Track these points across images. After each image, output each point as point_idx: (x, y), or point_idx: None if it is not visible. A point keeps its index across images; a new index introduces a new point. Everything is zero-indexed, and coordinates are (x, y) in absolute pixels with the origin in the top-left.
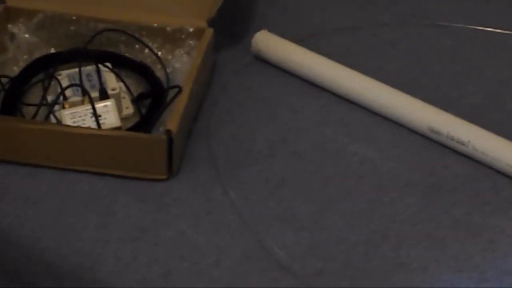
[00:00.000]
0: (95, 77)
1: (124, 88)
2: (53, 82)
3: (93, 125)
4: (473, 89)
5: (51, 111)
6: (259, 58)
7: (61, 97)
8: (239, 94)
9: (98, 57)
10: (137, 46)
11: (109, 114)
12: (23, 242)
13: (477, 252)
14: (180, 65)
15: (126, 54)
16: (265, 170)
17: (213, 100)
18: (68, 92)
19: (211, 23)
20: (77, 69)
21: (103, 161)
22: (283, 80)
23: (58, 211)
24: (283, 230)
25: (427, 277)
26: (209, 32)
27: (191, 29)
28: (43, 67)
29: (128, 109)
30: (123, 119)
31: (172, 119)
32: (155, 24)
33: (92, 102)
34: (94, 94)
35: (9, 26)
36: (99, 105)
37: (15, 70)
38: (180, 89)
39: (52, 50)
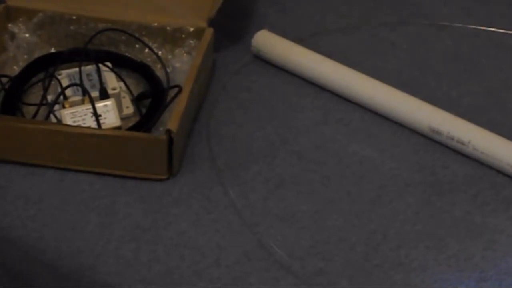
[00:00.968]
0: (95, 77)
1: (124, 88)
2: (53, 82)
3: (93, 124)
4: (474, 89)
5: (51, 111)
6: (259, 57)
7: (61, 97)
8: (239, 94)
9: (98, 57)
10: (137, 45)
11: (109, 113)
12: (23, 242)
13: (477, 252)
14: (180, 65)
15: (126, 54)
16: (265, 170)
17: (213, 100)
18: (68, 92)
19: (211, 22)
20: (77, 69)
21: (103, 161)
22: (283, 80)
23: (59, 211)
24: (283, 230)
25: (427, 277)
26: (209, 31)
27: (191, 29)
28: (43, 67)
29: (128, 108)
30: (123, 118)
31: (172, 119)
32: (155, 24)
33: (92, 101)
34: (94, 93)
35: (9, 25)
36: (99, 105)
37: (15, 70)
38: (180, 89)
39: (52, 50)
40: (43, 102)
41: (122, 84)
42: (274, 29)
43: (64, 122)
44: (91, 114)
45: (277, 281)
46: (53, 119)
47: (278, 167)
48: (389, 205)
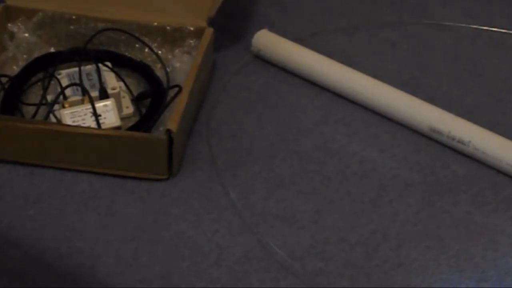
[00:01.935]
0: (95, 77)
1: (124, 88)
2: (53, 82)
3: (93, 124)
4: (474, 89)
5: (51, 111)
6: (259, 57)
7: (61, 97)
8: (239, 94)
9: (98, 57)
10: (137, 45)
11: (109, 113)
12: (23, 242)
13: (478, 252)
14: (180, 65)
15: (126, 54)
16: (265, 170)
17: (213, 100)
18: (68, 92)
19: (211, 22)
20: (77, 69)
21: (103, 161)
22: (283, 79)
23: (58, 211)
24: (283, 230)
25: (427, 277)
26: (209, 31)
27: (191, 29)
28: (43, 67)
29: (128, 108)
30: (123, 118)
31: (172, 119)
32: (155, 24)
33: (92, 101)
34: (94, 93)
35: (9, 25)
36: (99, 105)
37: (14, 70)
38: (180, 89)
39: (52, 50)
40: (42, 102)
41: (122, 84)
42: (274, 29)
43: (63, 122)
44: (90, 114)
45: (277, 281)
46: (53, 119)
47: (278, 167)
48: (389, 205)
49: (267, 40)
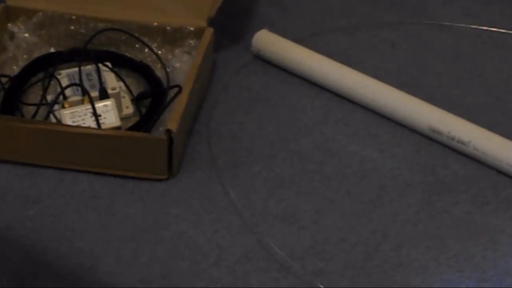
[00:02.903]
0: (95, 77)
1: (124, 88)
2: (52, 82)
3: (93, 124)
4: (474, 89)
5: (50, 111)
6: (259, 57)
7: (61, 97)
8: (239, 94)
9: (98, 57)
10: (137, 45)
11: (109, 113)
12: (23, 242)
13: (478, 252)
14: (180, 65)
15: (126, 54)
16: (265, 170)
17: (213, 100)
18: (68, 92)
19: (211, 22)
20: (77, 69)
21: (103, 161)
22: (283, 79)
23: (58, 211)
24: (283, 230)
25: (427, 277)
26: (209, 31)
27: (191, 29)
28: (43, 67)
29: (128, 108)
30: (123, 118)
31: (172, 119)
32: (155, 24)
33: (92, 101)
34: (94, 93)
35: (9, 25)
36: (99, 105)
37: (14, 70)
38: (180, 89)
39: (52, 50)
40: (42, 102)
41: (122, 84)
42: (274, 29)
43: (63, 122)
44: (90, 114)
45: (277, 281)
46: (53, 119)
47: (278, 167)
48: (389, 205)
49: (267, 40)
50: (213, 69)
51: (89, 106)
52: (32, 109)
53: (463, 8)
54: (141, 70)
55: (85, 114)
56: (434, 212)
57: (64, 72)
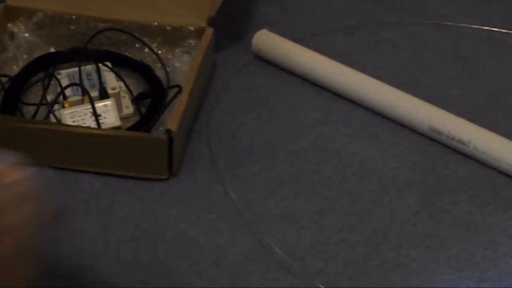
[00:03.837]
0: (95, 77)
1: (124, 88)
2: (52, 82)
3: (93, 124)
4: (474, 89)
5: (51, 111)
6: (259, 57)
7: (61, 97)
8: (239, 94)
9: (98, 57)
10: (137, 45)
11: (109, 113)
12: None
13: (478, 252)
14: (180, 65)
15: (126, 54)
16: (265, 170)
17: (213, 100)
18: (68, 92)
19: (211, 22)
20: (77, 69)
21: (103, 161)
22: (283, 79)
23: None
24: (283, 230)
25: (427, 277)
26: (209, 31)
27: (191, 28)
28: (43, 67)
29: (128, 108)
30: (123, 118)
31: (172, 119)
32: (155, 23)
33: (92, 101)
34: (94, 93)
35: (9, 25)
36: (99, 105)
37: (14, 70)
38: (180, 89)
39: (52, 50)
40: (42, 102)
41: (121, 84)
42: (274, 29)
43: (63, 122)
44: (90, 114)
45: (277, 281)
46: (53, 119)
47: (278, 167)
48: (389, 205)
49: (267, 40)
50: (213, 69)
51: (89, 106)
52: (32, 109)
53: (463, 8)
54: (141, 70)
55: (85, 114)
56: (434, 212)
57: (64, 72)
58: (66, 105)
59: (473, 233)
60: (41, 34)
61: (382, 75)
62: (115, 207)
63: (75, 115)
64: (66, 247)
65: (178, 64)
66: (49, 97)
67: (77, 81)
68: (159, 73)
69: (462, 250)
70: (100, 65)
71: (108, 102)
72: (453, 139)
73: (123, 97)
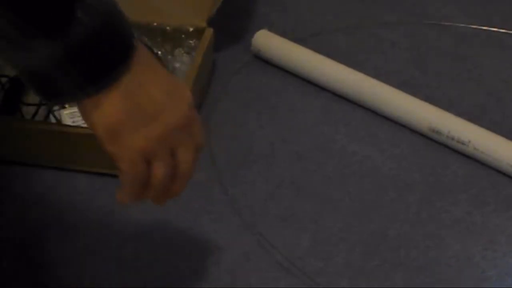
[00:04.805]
0: None
1: None
2: None
3: None
4: (474, 89)
5: (51, 111)
6: (259, 57)
7: None
8: (239, 94)
9: None
10: None
11: None
12: (22, 243)
13: (478, 252)
14: (180, 65)
15: None
16: (265, 170)
17: (213, 100)
18: None
19: (211, 22)
20: None
21: (103, 161)
22: (283, 79)
23: (58, 211)
24: (283, 230)
25: (427, 277)
26: (209, 31)
27: (191, 29)
28: None
29: None
30: None
31: None
32: (155, 24)
33: None
34: None
35: None
36: None
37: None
38: None
39: None
40: (42, 102)
41: None
42: (274, 29)
43: (63, 122)
44: None
45: (277, 281)
46: (53, 119)
47: (278, 167)
48: (389, 205)
49: (266, 40)
50: (213, 69)
51: None
52: (32, 109)
53: (463, 8)
54: None
55: None
56: (434, 212)
57: None
58: (66, 105)
59: (472, 233)
60: None
61: (382, 75)
62: (115, 207)
63: (75, 115)
64: (67, 247)
65: (178, 65)
66: None
67: None
68: None
69: (462, 250)
70: None
71: None
72: (452, 139)
73: None
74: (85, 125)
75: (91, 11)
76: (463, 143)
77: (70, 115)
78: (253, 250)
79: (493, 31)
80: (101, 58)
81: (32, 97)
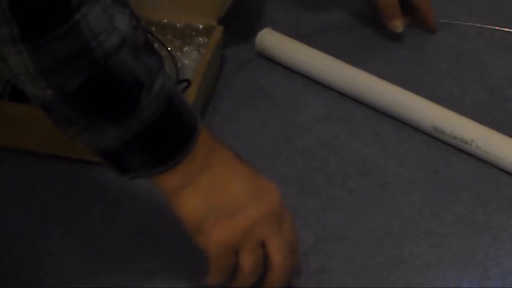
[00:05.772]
0: None
1: None
2: None
3: None
4: (477, 87)
5: None
6: (263, 55)
7: None
8: (243, 92)
9: None
10: None
11: None
12: (26, 234)
13: (480, 250)
14: (189, 62)
15: None
16: (268, 168)
17: (218, 97)
18: None
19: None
20: None
21: None
22: (287, 77)
23: (64, 202)
24: None
25: (430, 275)
26: (219, 29)
27: (200, 26)
28: None
29: None
30: None
31: None
32: (165, 20)
33: None
34: None
35: None
36: None
37: None
38: (189, 83)
39: None
40: None
41: None
42: (278, 27)
43: None
44: None
45: None
46: None
47: (281, 165)
48: (392, 202)
49: (270, 39)
50: (221, 67)
51: None
52: None
53: (466, 6)
54: None
55: None
56: (437, 210)
57: None
58: None
59: (475, 231)
60: None
61: (385, 73)
62: (121, 201)
63: None
64: (71, 239)
65: (186, 61)
66: None
67: None
68: (168, 69)
69: (465, 248)
70: None
71: None
72: (455, 138)
73: None
74: None
75: (156, 100)
76: (465, 142)
77: None
78: None
79: (496, 29)
80: (167, 140)
81: None
